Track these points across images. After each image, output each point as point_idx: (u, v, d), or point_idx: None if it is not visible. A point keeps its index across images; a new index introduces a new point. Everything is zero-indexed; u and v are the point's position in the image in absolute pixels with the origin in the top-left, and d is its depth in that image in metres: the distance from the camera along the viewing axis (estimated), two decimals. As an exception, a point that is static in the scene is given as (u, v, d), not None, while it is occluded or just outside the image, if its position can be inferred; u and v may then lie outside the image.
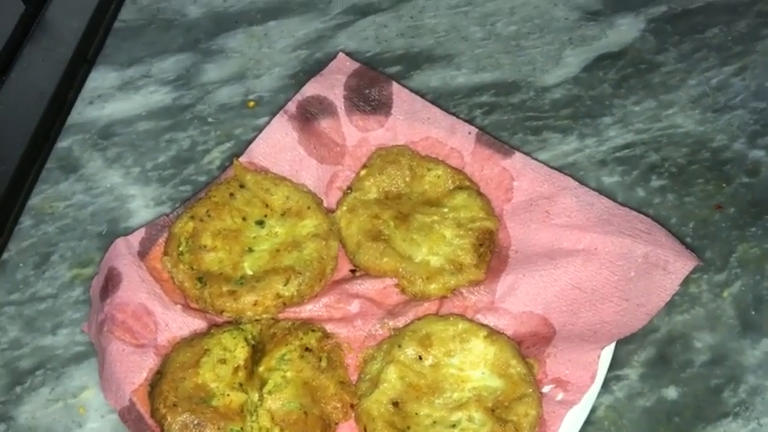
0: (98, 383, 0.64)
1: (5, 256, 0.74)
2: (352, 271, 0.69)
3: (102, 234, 0.75)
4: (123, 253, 0.66)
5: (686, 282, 0.67)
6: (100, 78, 0.89)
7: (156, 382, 0.59)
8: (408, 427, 0.57)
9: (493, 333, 0.61)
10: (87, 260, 0.73)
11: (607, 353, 0.62)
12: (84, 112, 0.86)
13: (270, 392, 0.58)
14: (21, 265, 0.73)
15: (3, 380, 0.66)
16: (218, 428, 0.56)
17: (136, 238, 0.68)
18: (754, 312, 0.67)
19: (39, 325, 0.69)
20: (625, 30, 0.90)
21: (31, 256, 0.74)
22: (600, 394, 0.61)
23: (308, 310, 0.66)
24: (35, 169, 0.82)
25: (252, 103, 0.85)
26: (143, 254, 0.67)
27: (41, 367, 0.67)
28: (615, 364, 0.63)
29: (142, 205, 0.77)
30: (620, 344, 0.64)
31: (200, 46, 0.92)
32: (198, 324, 0.64)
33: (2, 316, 0.70)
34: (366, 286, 0.67)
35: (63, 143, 0.83)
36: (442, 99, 0.84)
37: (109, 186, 0.79)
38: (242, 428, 0.57)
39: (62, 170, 0.81)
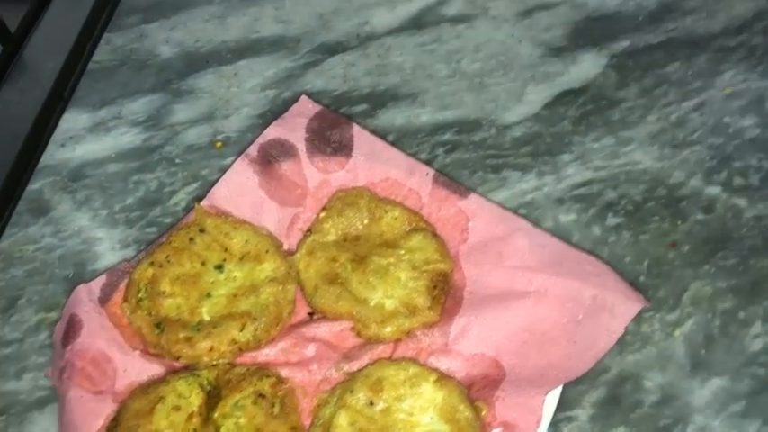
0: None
1: (-26, 300, 0.76)
2: (310, 314, 0.70)
3: (68, 278, 0.76)
4: (84, 300, 0.68)
5: (639, 321, 0.69)
6: (72, 120, 0.91)
7: (111, 429, 0.61)
8: (356, 474, 0.58)
9: (443, 377, 0.63)
10: (54, 304, 0.75)
11: (555, 395, 0.63)
12: (56, 154, 0.88)
13: (222, 439, 0.59)
14: (-12, 309, 0.75)
15: (-34, 425, 0.68)
16: (170, 477, 0.57)
17: (97, 285, 0.69)
18: (704, 351, 0.68)
19: (3, 370, 0.71)
20: (587, 65, 0.91)
21: (-1, 300, 0.76)
22: (549, 435, 0.63)
23: (265, 355, 0.67)
24: (7, 213, 0.84)
25: (219, 144, 0.87)
26: (104, 300, 0.69)
27: (5, 413, 0.68)
28: (566, 404, 0.64)
29: (108, 248, 0.79)
30: (572, 384, 0.65)
31: (171, 86, 0.94)
32: (156, 369, 0.66)
33: (-32, 361, 0.71)
34: (323, 329, 0.68)
35: (34, 185, 0.85)
36: (406, 138, 0.85)
37: (77, 229, 0.80)
38: (194, 476, 0.58)
39: (32, 213, 0.82)
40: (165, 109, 0.91)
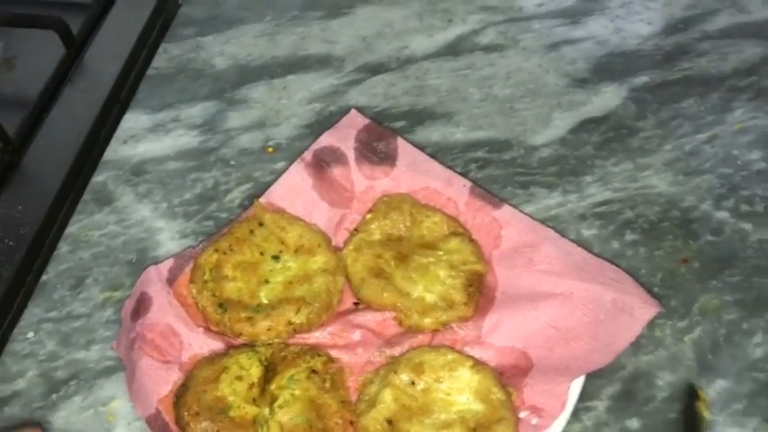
0: (126, 395, 0.72)
1: (44, 278, 0.83)
2: (356, 304, 0.78)
3: (131, 262, 0.84)
4: (154, 279, 0.75)
5: (652, 326, 0.76)
6: (133, 120, 0.99)
7: (181, 394, 0.68)
8: (400, 443, 0.65)
9: (478, 364, 0.70)
10: (118, 284, 0.82)
11: (577, 386, 0.70)
12: (119, 150, 0.95)
13: (280, 407, 0.66)
14: (58, 286, 0.82)
15: (40, 388, 0.74)
16: (234, 436, 0.64)
17: (165, 267, 0.76)
18: (710, 356, 0.75)
19: (74, 340, 0.77)
20: (609, 96, 1.00)
21: (67, 278, 0.82)
22: (570, 422, 0.69)
23: (315, 337, 0.74)
24: (71, 200, 0.92)
25: (271, 149, 0.94)
26: (171, 281, 0.76)
27: (75, 378, 0.75)
28: (586, 396, 0.71)
29: (168, 237, 0.86)
30: (591, 379, 0.72)
31: (225, 95, 1.02)
32: (217, 345, 0.73)
33: (41, 331, 0.78)
34: (367, 318, 0.75)
35: (98, 178, 0.92)
36: (441, 153, 0.93)
37: (139, 219, 0.88)
38: (254, 438, 0.65)
39: (96, 202, 0.90)
40: (219, 115, 0.99)
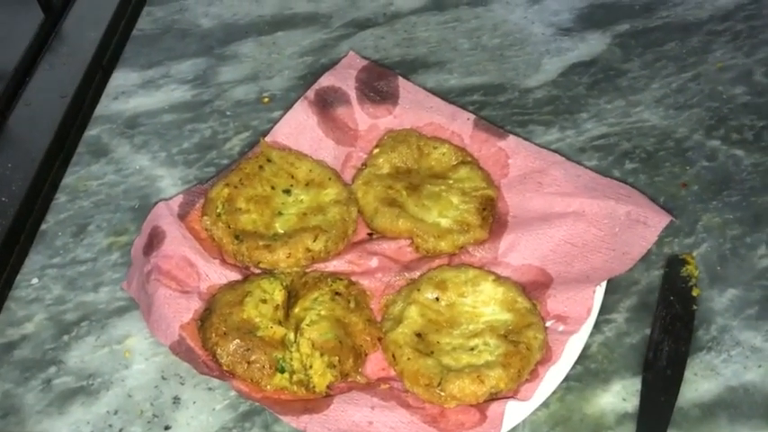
0: (141, 332, 0.71)
1: (44, 227, 0.80)
2: (370, 235, 0.77)
3: (134, 208, 0.82)
4: (165, 214, 0.73)
5: (660, 243, 0.78)
6: (122, 78, 0.97)
7: (205, 317, 0.66)
8: (432, 352, 0.65)
9: (500, 277, 0.70)
10: (122, 229, 0.80)
11: (597, 299, 0.70)
12: (110, 105, 0.94)
13: (308, 325, 0.65)
14: (59, 234, 0.80)
15: (50, 330, 0.72)
16: (265, 353, 0.63)
17: (175, 202, 0.75)
18: (719, 268, 0.76)
19: (80, 284, 0.75)
20: (594, 43, 1.02)
21: (68, 226, 0.80)
22: (592, 334, 0.70)
23: (333, 266, 0.73)
24: (63, 155, 0.89)
25: (266, 99, 0.94)
26: (182, 216, 0.74)
27: (86, 319, 0.72)
28: (604, 310, 0.72)
29: (170, 184, 0.84)
30: (608, 294, 0.73)
31: (214, 52, 1.01)
32: (234, 276, 0.71)
33: (45, 277, 0.76)
34: (383, 246, 0.75)
35: (91, 132, 0.90)
36: (438, 97, 0.93)
37: (138, 168, 0.86)
38: (284, 357, 0.64)
39: (92, 154, 0.88)
40: (210, 70, 0.98)
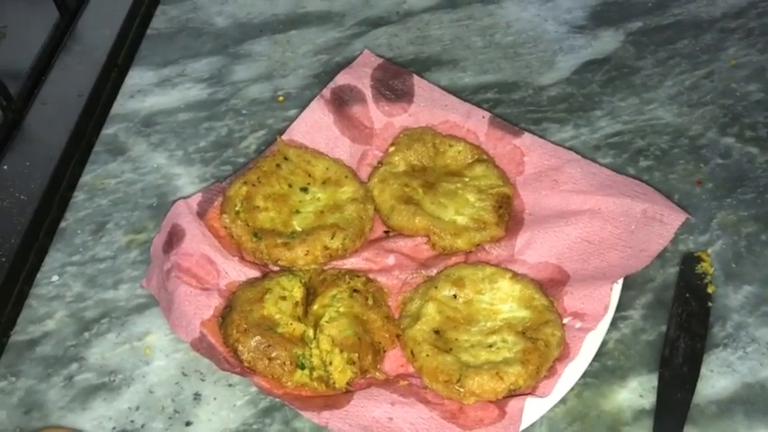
0: (161, 329, 0.71)
1: (63, 224, 0.81)
2: (386, 233, 0.78)
3: (153, 206, 0.82)
4: (185, 212, 0.74)
5: (676, 241, 0.78)
6: (138, 77, 0.98)
7: (226, 314, 0.67)
8: (451, 349, 0.65)
9: (517, 274, 0.70)
10: (141, 227, 0.81)
11: (614, 296, 0.71)
12: (127, 104, 0.94)
13: (328, 322, 0.66)
14: (79, 232, 0.80)
15: (71, 327, 0.72)
16: (285, 350, 0.64)
17: (194, 201, 0.76)
18: (734, 265, 0.77)
19: (100, 281, 0.76)
20: (608, 41, 1.02)
21: (87, 224, 0.81)
22: (609, 331, 0.70)
23: (351, 263, 0.74)
24: (80, 154, 0.90)
25: (281, 98, 0.94)
26: (201, 214, 0.75)
27: (106, 316, 0.73)
28: (620, 307, 0.72)
29: (188, 182, 0.85)
30: (624, 291, 0.73)
31: (228, 50, 1.01)
32: (253, 273, 0.72)
33: (65, 274, 0.76)
34: (400, 244, 0.75)
35: (108, 130, 0.91)
36: (452, 95, 0.94)
37: (155, 166, 0.87)
38: (303, 353, 0.65)
39: (110, 153, 0.88)
40: (225, 69, 0.99)
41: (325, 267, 0.73)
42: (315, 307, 0.68)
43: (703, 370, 0.68)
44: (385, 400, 0.62)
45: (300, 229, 0.74)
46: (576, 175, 0.78)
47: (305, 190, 0.78)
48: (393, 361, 0.68)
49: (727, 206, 0.82)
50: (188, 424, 0.66)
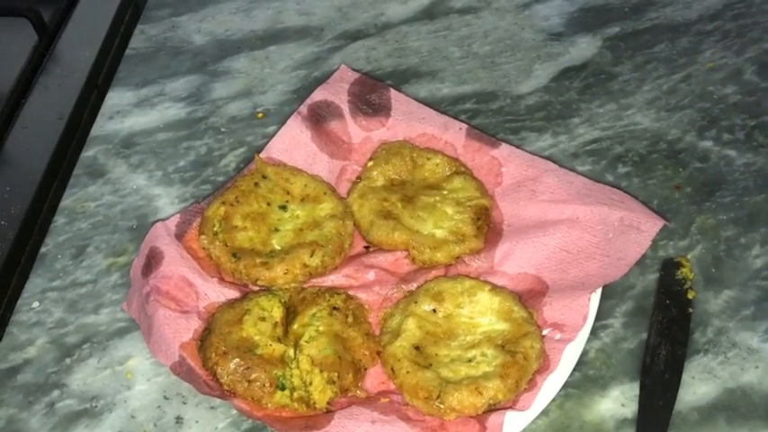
0: (142, 353, 0.71)
1: (43, 249, 0.81)
2: (366, 248, 0.78)
3: (133, 228, 0.82)
4: (163, 234, 0.74)
5: (655, 247, 0.78)
6: (117, 98, 0.98)
7: (205, 337, 0.67)
8: (430, 365, 0.65)
9: (496, 287, 0.71)
10: (121, 250, 0.80)
11: (593, 306, 0.71)
12: (106, 126, 0.94)
13: (307, 342, 0.66)
14: (59, 256, 0.80)
15: (52, 353, 0.72)
16: (265, 371, 0.64)
17: (172, 222, 0.76)
18: (714, 270, 0.77)
19: (81, 306, 0.76)
20: (585, 47, 1.02)
21: (67, 248, 0.81)
22: (590, 340, 0.71)
23: (331, 280, 0.74)
24: (60, 177, 0.90)
25: (260, 115, 0.94)
26: (179, 236, 0.75)
27: (87, 341, 0.73)
28: (601, 315, 0.73)
29: (168, 203, 0.85)
30: (603, 299, 0.73)
31: (207, 68, 1.01)
32: (233, 294, 0.72)
33: (45, 300, 0.76)
34: (380, 259, 0.75)
35: (88, 153, 0.91)
36: (431, 107, 0.94)
37: (135, 188, 0.87)
38: (284, 374, 0.65)
39: (89, 175, 0.88)
40: (204, 87, 0.99)
41: (306, 285, 0.73)
42: (295, 326, 0.68)
43: (685, 376, 0.68)
44: (365, 418, 0.62)
45: (279, 248, 0.74)
46: (554, 185, 0.78)
47: (284, 208, 0.78)
48: (374, 378, 0.68)
49: (706, 210, 0.83)
50: (171, 448, 0.66)
